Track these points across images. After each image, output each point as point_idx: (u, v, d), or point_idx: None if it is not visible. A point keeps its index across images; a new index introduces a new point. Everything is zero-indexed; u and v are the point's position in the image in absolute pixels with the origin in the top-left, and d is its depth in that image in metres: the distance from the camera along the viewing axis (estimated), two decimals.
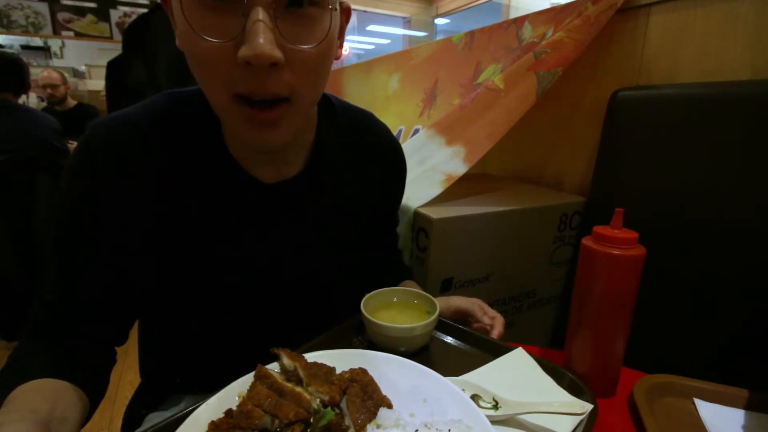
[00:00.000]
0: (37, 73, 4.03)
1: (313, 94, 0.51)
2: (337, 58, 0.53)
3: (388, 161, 0.71)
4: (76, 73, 4.50)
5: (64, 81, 3.09)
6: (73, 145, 2.54)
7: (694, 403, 0.53)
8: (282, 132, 0.49)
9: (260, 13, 0.41)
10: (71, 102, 3.17)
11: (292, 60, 0.44)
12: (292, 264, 0.61)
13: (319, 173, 0.61)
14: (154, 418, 0.62)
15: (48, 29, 4.04)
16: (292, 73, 0.45)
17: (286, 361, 0.47)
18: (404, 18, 5.01)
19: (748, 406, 0.52)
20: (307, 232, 0.61)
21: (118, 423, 0.70)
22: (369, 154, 0.68)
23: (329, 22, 0.46)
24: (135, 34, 1.85)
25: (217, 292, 0.57)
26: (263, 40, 0.40)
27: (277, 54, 0.42)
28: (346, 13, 0.53)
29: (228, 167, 0.55)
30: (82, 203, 0.51)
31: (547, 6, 1.18)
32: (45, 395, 0.45)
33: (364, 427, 0.42)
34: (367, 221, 0.69)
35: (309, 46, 0.45)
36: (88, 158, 0.51)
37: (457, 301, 0.69)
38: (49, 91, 3.01)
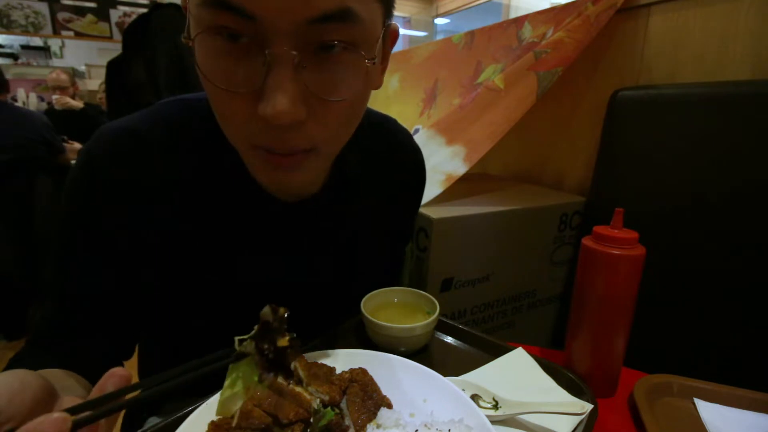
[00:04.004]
0: (37, 72, 4.03)
1: (340, 144, 0.46)
2: (376, 87, 0.47)
3: (409, 171, 0.69)
4: (76, 73, 4.50)
5: (73, 82, 3.10)
6: (73, 145, 2.54)
7: (694, 403, 0.53)
8: (302, 176, 0.45)
9: (283, 66, 0.35)
10: (79, 102, 3.17)
11: (318, 114, 0.39)
12: (304, 279, 0.60)
13: (339, 191, 0.58)
14: (154, 420, 0.62)
15: (48, 29, 4.04)
16: (317, 126, 0.40)
17: None
18: (404, 18, 5.01)
19: (748, 406, 0.52)
20: (323, 250, 0.60)
21: (118, 425, 0.70)
22: (390, 164, 0.65)
23: (365, 69, 0.40)
24: (135, 34, 1.85)
25: (223, 303, 0.56)
26: (285, 97, 0.35)
27: (300, 113, 0.37)
28: (393, 35, 0.46)
29: (244, 184, 0.51)
30: (83, 220, 0.49)
31: (547, 6, 1.18)
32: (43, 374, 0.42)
33: (364, 427, 0.42)
34: (384, 235, 0.68)
35: (339, 99, 0.39)
36: (91, 173, 0.47)
37: None
38: (58, 93, 3.00)
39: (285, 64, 0.35)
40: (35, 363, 0.47)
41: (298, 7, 0.33)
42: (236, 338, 0.36)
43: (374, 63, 0.40)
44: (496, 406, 0.47)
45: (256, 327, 0.36)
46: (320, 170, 0.47)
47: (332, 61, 0.38)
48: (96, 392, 0.29)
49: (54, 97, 2.99)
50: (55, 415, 0.25)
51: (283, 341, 0.35)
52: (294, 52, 0.35)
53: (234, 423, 0.39)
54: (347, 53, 0.38)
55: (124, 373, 0.30)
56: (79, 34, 4.15)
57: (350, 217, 0.61)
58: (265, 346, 0.36)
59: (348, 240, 0.62)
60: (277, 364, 0.36)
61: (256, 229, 0.54)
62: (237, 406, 0.37)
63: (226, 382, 0.36)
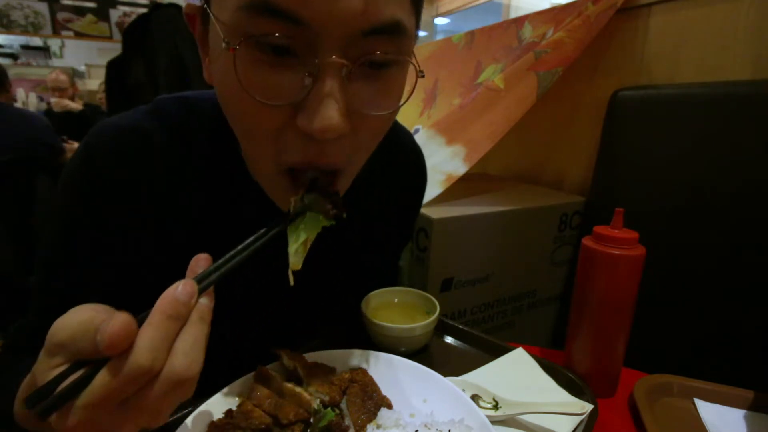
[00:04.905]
0: (37, 72, 4.03)
1: (368, 155, 0.44)
2: None
3: (410, 172, 0.69)
4: (76, 73, 4.50)
5: (72, 83, 3.10)
6: (72, 145, 2.54)
7: (694, 403, 0.53)
8: None
9: (332, 77, 0.33)
10: (78, 103, 3.17)
11: (359, 127, 0.38)
12: (303, 284, 0.60)
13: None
14: None
15: (48, 29, 4.05)
16: (356, 139, 0.38)
17: (286, 361, 0.47)
18: None
19: (748, 406, 0.52)
20: (325, 253, 0.60)
21: None
22: (392, 165, 0.65)
23: (405, 80, 0.39)
24: (135, 35, 1.85)
25: (224, 306, 0.56)
26: (334, 110, 0.33)
27: (347, 127, 0.35)
28: None
29: (245, 187, 0.49)
30: (83, 219, 0.46)
31: (547, 6, 1.18)
32: None
33: (364, 427, 0.42)
34: (386, 237, 0.67)
35: (382, 113, 0.38)
36: (92, 171, 0.46)
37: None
38: (57, 94, 3.01)
39: (334, 75, 0.33)
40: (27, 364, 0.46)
41: (355, 18, 0.32)
42: (291, 199, 0.38)
43: (423, 75, 0.39)
44: (496, 407, 0.47)
45: (301, 191, 0.39)
46: (344, 190, 0.45)
47: (379, 76, 0.37)
48: (190, 274, 0.33)
49: (52, 100, 2.99)
50: (183, 281, 0.30)
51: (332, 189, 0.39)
52: (345, 62, 0.33)
53: (233, 420, 0.40)
54: (393, 68, 0.37)
55: (207, 256, 0.34)
56: (79, 34, 4.16)
57: (353, 220, 0.61)
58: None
59: (350, 243, 0.62)
60: (334, 205, 0.40)
61: (256, 232, 0.54)
62: (303, 257, 0.39)
63: (291, 240, 0.38)
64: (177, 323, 0.29)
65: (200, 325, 0.30)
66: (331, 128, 0.34)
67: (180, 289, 0.30)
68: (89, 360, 0.28)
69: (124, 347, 0.27)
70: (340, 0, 0.31)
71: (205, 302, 0.32)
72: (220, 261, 0.34)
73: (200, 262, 0.33)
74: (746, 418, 0.51)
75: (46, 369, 0.28)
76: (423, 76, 0.39)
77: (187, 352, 0.29)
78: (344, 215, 0.40)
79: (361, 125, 0.38)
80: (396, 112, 0.41)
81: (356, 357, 0.51)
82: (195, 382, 0.30)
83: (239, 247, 0.36)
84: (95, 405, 0.26)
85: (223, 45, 0.33)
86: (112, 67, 1.95)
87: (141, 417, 0.28)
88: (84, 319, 0.28)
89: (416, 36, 0.41)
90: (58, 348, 0.28)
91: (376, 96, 0.37)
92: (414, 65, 0.38)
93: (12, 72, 4.45)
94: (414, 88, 0.40)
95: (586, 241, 0.53)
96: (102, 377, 0.27)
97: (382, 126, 0.41)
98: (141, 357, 0.26)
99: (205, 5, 0.36)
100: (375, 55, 0.34)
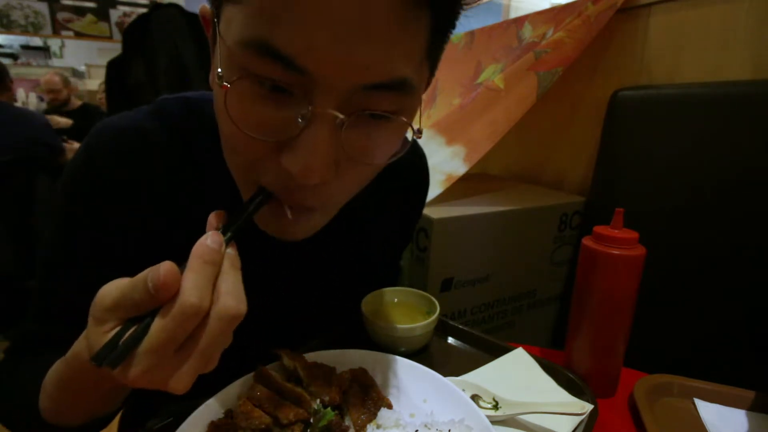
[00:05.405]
0: (37, 72, 4.03)
1: (350, 197, 0.43)
2: None
3: (413, 174, 0.68)
4: (76, 73, 4.50)
5: (66, 83, 3.09)
6: (72, 145, 2.54)
7: (694, 403, 0.53)
8: (307, 229, 0.42)
9: (324, 126, 0.32)
10: (75, 103, 3.16)
11: (345, 172, 0.37)
12: (305, 285, 0.60)
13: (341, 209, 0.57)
14: (154, 420, 0.62)
15: (48, 29, 4.05)
16: (340, 183, 0.38)
17: (286, 361, 0.47)
18: None
19: (748, 406, 0.52)
20: (327, 259, 0.60)
21: (116, 425, 0.69)
22: (395, 168, 0.61)
23: (403, 134, 0.38)
24: (135, 35, 1.85)
25: None
26: (319, 159, 0.33)
27: (330, 175, 0.34)
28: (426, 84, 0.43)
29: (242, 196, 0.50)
30: (84, 221, 0.46)
31: (547, 6, 1.18)
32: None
33: (364, 427, 0.42)
34: (387, 240, 0.67)
35: (372, 163, 0.37)
36: (94, 172, 0.45)
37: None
38: (51, 95, 3.02)
39: (326, 125, 0.32)
40: (40, 365, 0.45)
41: (357, 72, 0.31)
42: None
43: (420, 135, 0.38)
44: (496, 406, 0.47)
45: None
46: (326, 222, 0.44)
47: (374, 126, 0.35)
48: (210, 228, 0.34)
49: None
50: (209, 233, 0.32)
51: None
52: (339, 115, 0.32)
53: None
54: (391, 121, 0.36)
55: (221, 212, 0.36)
56: (79, 34, 4.16)
57: (354, 222, 0.61)
58: None
59: (351, 244, 0.62)
60: None
61: (257, 238, 0.54)
62: None
63: None
64: (214, 268, 0.31)
65: (234, 271, 0.32)
66: (313, 175, 0.33)
67: (209, 239, 0.32)
68: (141, 317, 0.30)
69: (174, 289, 0.29)
70: (347, 54, 0.30)
71: (233, 252, 0.33)
72: (233, 216, 0.36)
73: (215, 217, 0.35)
74: (746, 418, 0.51)
75: (99, 334, 0.30)
76: (420, 137, 0.38)
77: (231, 291, 0.31)
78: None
79: (347, 170, 0.37)
80: (386, 163, 0.40)
81: (356, 357, 0.51)
82: (237, 323, 0.32)
83: (246, 203, 0.37)
84: (156, 350, 0.28)
85: (217, 80, 0.33)
86: (112, 67, 1.95)
87: (197, 361, 0.30)
88: (127, 280, 0.30)
89: (427, 86, 0.40)
90: (107, 313, 0.30)
91: (369, 146, 0.36)
92: (412, 128, 0.37)
93: (12, 72, 4.46)
94: (411, 143, 0.39)
95: (586, 241, 0.53)
96: (158, 323, 0.29)
97: (368, 174, 0.41)
98: (189, 296, 0.29)
99: (215, 18, 0.36)
100: (373, 110, 0.34)
